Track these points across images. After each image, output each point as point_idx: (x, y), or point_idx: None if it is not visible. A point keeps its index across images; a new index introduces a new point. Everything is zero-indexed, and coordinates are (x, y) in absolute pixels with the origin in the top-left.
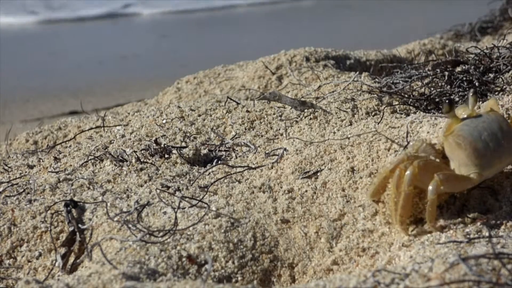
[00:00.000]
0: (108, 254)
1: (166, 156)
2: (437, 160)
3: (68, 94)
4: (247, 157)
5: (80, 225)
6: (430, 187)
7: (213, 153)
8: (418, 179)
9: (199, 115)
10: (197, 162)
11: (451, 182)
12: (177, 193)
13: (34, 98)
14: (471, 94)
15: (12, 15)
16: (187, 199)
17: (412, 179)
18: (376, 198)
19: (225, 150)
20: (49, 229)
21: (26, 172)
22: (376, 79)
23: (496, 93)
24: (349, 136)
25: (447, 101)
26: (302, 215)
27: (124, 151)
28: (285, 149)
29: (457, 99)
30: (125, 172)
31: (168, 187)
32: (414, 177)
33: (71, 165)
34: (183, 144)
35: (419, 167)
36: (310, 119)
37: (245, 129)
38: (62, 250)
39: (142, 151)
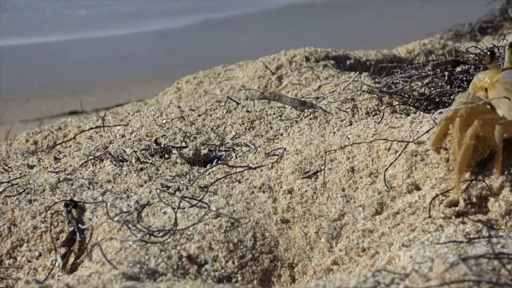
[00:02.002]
0: (108, 254)
1: (166, 156)
2: (488, 107)
3: (68, 94)
4: (247, 157)
5: (80, 225)
6: (496, 135)
7: (213, 153)
8: (479, 135)
9: (199, 115)
10: (197, 162)
11: (510, 128)
12: (177, 193)
13: (34, 98)
14: (507, 47)
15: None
16: (187, 199)
17: (474, 136)
18: (438, 145)
19: (225, 150)
20: (49, 229)
21: (26, 172)
22: (376, 79)
23: None
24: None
25: (488, 52)
26: (302, 215)
27: (124, 151)
28: (285, 149)
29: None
30: (125, 172)
31: (168, 187)
32: (476, 135)
33: (71, 165)
34: (183, 144)
35: (480, 127)
36: (310, 119)
37: (245, 129)
38: (62, 250)
39: (142, 151)
